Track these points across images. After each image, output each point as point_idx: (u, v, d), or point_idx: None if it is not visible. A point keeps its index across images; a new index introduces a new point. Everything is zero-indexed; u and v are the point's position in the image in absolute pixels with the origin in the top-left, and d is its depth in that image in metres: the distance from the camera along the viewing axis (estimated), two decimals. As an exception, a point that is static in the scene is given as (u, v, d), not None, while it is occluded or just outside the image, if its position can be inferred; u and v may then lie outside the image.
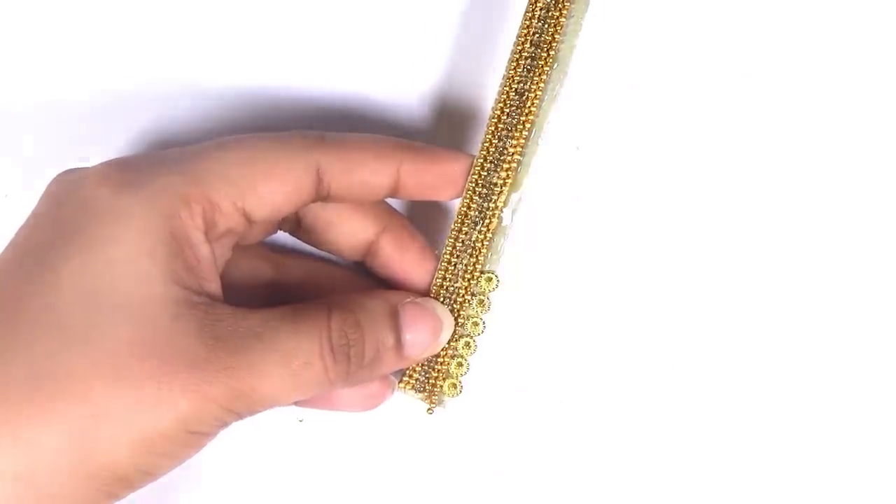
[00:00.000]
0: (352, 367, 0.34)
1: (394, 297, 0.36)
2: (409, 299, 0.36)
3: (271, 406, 0.33)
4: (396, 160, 0.36)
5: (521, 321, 0.40)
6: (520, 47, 0.36)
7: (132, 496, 0.33)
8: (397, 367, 0.36)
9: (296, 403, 0.37)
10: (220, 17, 0.41)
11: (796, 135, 0.40)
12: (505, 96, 0.36)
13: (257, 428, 0.40)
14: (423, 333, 0.36)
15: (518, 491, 0.41)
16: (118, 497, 0.33)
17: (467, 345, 0.37)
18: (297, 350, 0.33)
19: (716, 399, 0.40)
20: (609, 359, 0.40)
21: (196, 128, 0.41)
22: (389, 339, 0.35)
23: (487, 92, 0.40)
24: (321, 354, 0.33)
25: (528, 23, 0.36)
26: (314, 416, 0.40)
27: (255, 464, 0.41)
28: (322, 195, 0.36)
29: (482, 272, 0.37)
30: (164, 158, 0.35)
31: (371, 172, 0.36)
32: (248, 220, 0.35)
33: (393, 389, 0.38)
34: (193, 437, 0.32)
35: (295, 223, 0.38)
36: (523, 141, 0.36)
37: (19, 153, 0.41)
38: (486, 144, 0.36)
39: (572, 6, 0.36)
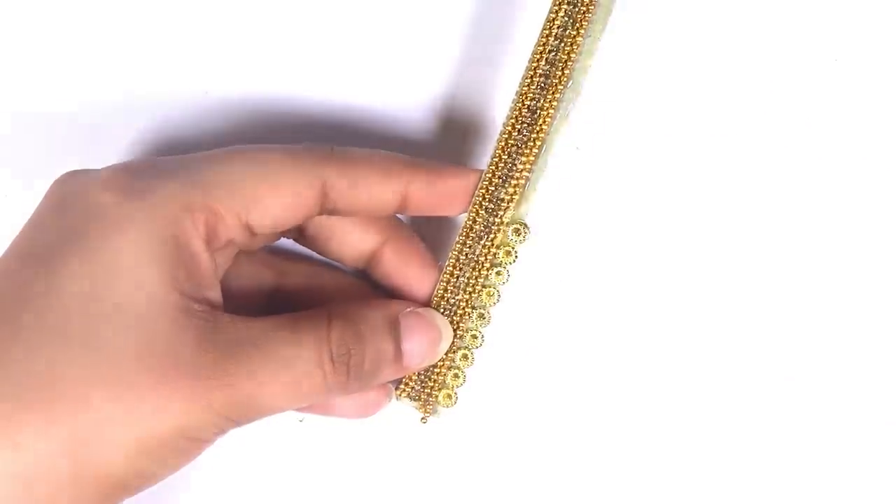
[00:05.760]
0: (351, 377, 0.34)
1: (394, 306, 0.36)
2: (409, 309, 0.37)
3: (270, 414, 0.34)
4: (405, 178, 0.36)
5: (519, 326, 0.41)
6: (535, 64, 0.36)
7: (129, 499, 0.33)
8: (395, 377, 0.37)
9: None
10: (226, 24, 0.41)
11: (797, 138, 0.40)
12: (517, 112, 0.36)
13: (257, 429, 0.40)
14: (422, 344, 0.36)
15: (514, 497, 0.41)
16: (116, 501, 0.33)
17: (465, 357, 0.37)
18: (297, 359, 0.33)
19: (715, 401, 0.40)
20: (606, 367, 0.41)
21: (200, 134, 0.41)
22: (389, 349, 0.35)
23: (499, 106, 0.40)
24: (320, 364, 0.34)
25: (544, 40, 0.36)
26: (314, 418, 0.40)
27: (254, 465, 0.41)
28: (327, 209, 0.36)
29: (484, 285, 0.37)
30: (170, 165, 0.35)
31: (378, 190, 0.36)
32: (251, 231, 0.35)
33: (390, 397, 0.38)
34: (191, 443, 0.33)
35: (298, 231, 0.38)
36: (533, 158, 0.36)
37: (19, 154, 0.41)
38: (496, 160, 0.36)
39: (590, 26, 0.36)
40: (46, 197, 0.35)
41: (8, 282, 0.33)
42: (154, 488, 0.33)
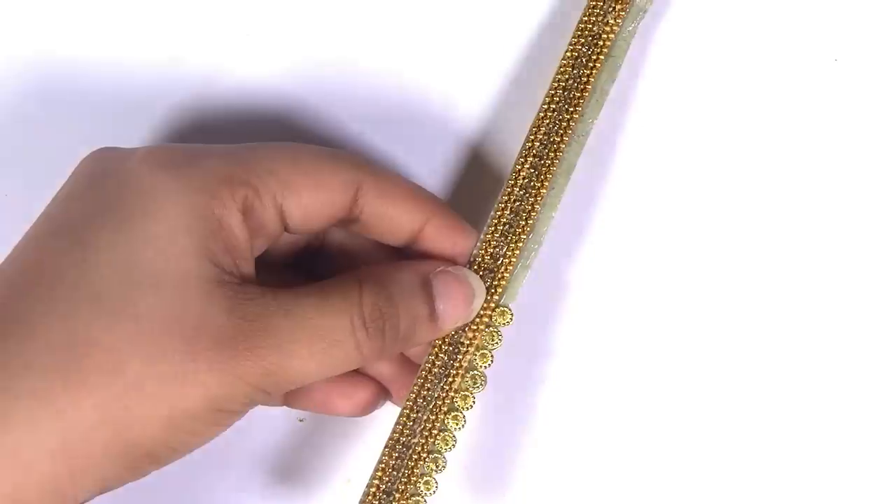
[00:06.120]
0: (387, 342, 0.34)
1: (425, 266, 0.36)
2: (440, 268, 0.36)
3: (302, 383, 0.34)
4: (428, 212, 0.37)
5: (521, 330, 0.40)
6: (499, 213, 0.38)
7: (135, 493, 0.33)
8: (432, 338, 0.36)
9: (290, 405, 0.38)
10: (227, 24, 0.41)
11: (797, 138, 0.41)
12: (482, 254, 0.37)
13: (257, 429, 0.40)
14: (457, 303, 0.36)
15: (514, 497, 0.41)
16: (144, 473, 0.33)
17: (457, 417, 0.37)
18: (329, 328, 0.33)
19: (719, 406, 0.40)
20: (609, 368, 0.41)
21: (200, 136, 0.41)
22: (423, 310, 0.35)
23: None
24: (353, 331, 0.33)
25: (509, 190, 0.38)
26: (314, 417, 0.40)
27: (254, 465, 0.41)
28: (353, 216, 0.36)
29: (496, 306, 0.37)
30: (210, 147, 0.35)
31: (403, 211, 0.36)
32: (283, 220, 0.35)
33: (386, 398, 0.38)
34: (222, 415, 0.33)
35: (345, 221, 0.37)
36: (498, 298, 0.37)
37: (19, 153, 0.41)
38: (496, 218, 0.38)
39: (554, 179, 0.37)
40: (79, 171, 0.35)
41: (42, 252, 0.33)
42: (154, 489, 0.34)
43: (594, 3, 0.38)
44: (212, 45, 0.41)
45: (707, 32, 0.41)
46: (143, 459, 0.32)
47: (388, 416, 0.39)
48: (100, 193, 0.33)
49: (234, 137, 0.40)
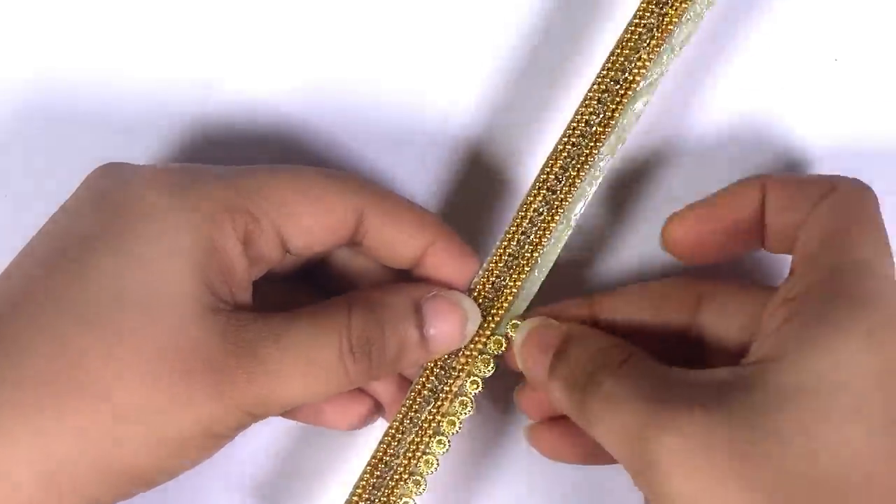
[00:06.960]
0: (373, 366, 0.34)
1: (417, 290, 0.36)
2: (433, 292, 0.36)
3: (292, 406, 0.34)
4: (432, 237, 0.36)
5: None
6: (505, 243, 0.37)
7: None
8: (424, 361, 0.36)
9: (286, 416, 0.38)
10: (233, 29, 0.41)
11: (797, 138, 0.40)
12: (481, 284, 0.37)
13: (252, 429, 0.39)
14: (449, 327, 0.35)
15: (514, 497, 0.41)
16: (132, 494, 0.33)
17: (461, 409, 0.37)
18: (318, 353, 0.33)
19: None
20: None
21: (202, 143, 0.41)
22: (412, 335, 0.35)
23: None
24: (341, 357, 0.34)
25: (518, 221, 0.37)
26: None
27: (249, 466, 0.41)
28: (356, 240, 0.36)
29: (492, 334, 0.37)
30: (214, 171, 0.35)
31: (408, 237, 0.36)
32: (284, 246, 0.35)
33: (381, 413, 0.38)
34: (212, 439, 0.33)
35: (350, 243, 0.37)
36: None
37: (19, 153, 0.41)
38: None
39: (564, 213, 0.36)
40: (84, 186, 0.35)
41: (38, 270, 0.33)
42: (146, 493, 0.33)
43: (628, 35, 0.36)
44: (215, 60, 0.41)
45: (707, 31, 0.40)
46: (132, 482, 0.32)
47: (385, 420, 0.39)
48: (102, 213, 0.33)
49: (235, 153, 0.41)
